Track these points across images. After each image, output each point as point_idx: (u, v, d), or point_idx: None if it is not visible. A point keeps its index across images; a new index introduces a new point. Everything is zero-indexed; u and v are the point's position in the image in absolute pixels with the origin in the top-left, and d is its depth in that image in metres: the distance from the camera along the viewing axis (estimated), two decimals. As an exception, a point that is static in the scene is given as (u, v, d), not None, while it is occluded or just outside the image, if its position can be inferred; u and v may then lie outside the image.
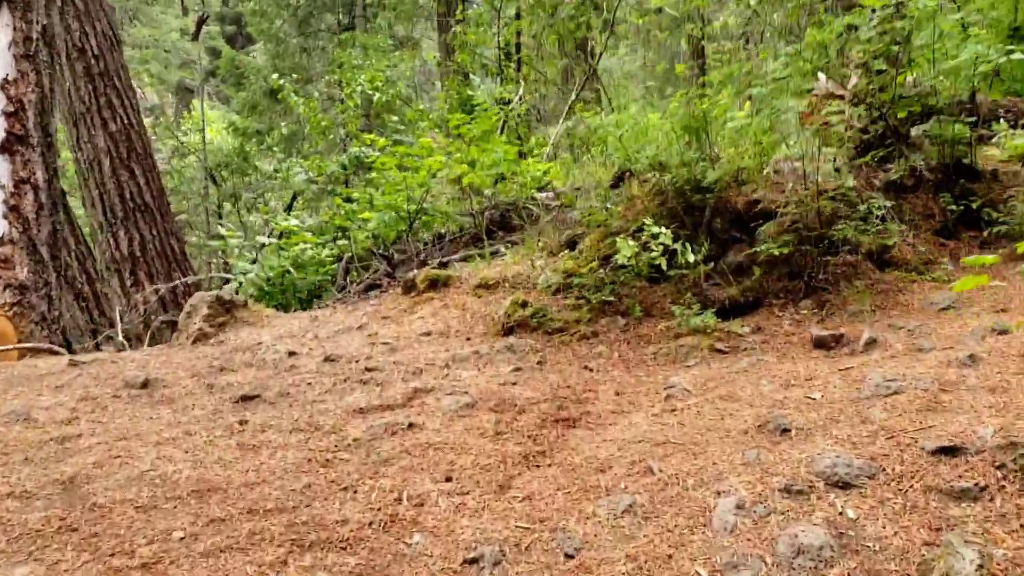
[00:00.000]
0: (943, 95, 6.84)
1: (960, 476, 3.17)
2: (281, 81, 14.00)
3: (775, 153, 6.54)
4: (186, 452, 4.30)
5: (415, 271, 7.59)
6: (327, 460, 4.18)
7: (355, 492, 3.80)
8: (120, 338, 9.51)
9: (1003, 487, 3.07)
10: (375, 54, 17.59)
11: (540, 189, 9.81)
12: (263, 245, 10.84)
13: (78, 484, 3.87)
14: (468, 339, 6.13)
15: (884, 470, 3.31)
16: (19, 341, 8.04)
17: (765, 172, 6.37)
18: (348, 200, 10.62)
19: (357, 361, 5.77)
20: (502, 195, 9.34)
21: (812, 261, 5.98)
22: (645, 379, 5.15)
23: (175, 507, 3.67)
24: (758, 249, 5.87)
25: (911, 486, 3.20)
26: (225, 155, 22.61)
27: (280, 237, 10.68)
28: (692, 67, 7.49)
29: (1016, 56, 5.98)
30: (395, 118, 14.39)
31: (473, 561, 3.14)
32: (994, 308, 5.21)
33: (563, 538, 3.21)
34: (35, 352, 7.61)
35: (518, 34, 13.78)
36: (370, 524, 3.47)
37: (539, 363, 5.58)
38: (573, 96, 12.83)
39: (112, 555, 3.21)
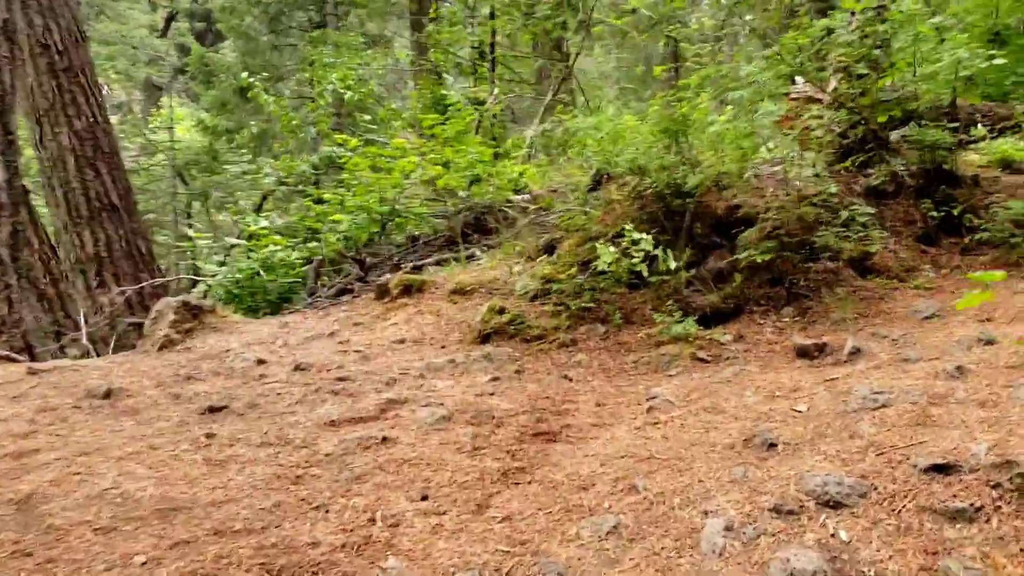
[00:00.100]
0: (923, 100, 6.78)
1: (955, 496, 3.06)
2: (251, 80, 13.73)
3: (756, 158, 6.44)
4: (150, 468, 4.10)
5: (388, 275, 7.43)
6: (298, 476, 4.00)
7: (327, 511, 3.63)
8: (85, 341, 9.25)
9: (999, 507, 2.96)
10: (347, 52, 17.35)
11: (516, 191, 9.67)
12: (232, 247, 10.60)
13: (34, 504, 3.67)
14: (443, 347, 5.98)
15: (876, 488, 3.20)
16: (-24, 347, 7.76)
17: (745, 177, 6.27)
18: (319, 201, 10.40)
19: (329, 370, 5.60)
20: (477, 197, 9.18)
21: (793, 268, 5.89)
22: (626, 389, 5.02)
23: (137, 528, 3.48)
24: (739, 256, 5.77)
25: (904, 506, 3.09)
26: (194, 153, 22.26)
27: (249, 239, 10.45)
28: (669, 70, 7.37)
29: (999, 61, 5.93)
30: (367, 117, 14.17)
31: (451, 588, 3.00)
32: (978, 317, 5.14)
33: (546, 562, 3.06)
34: (-7, 358, 7.35)
35: (493, 33, 13.63)
36: (343, 547, 3.31)
37: (517, 372, 5.43)
38: (549, 97, 12.70)
39: (68, 583, 3.03)
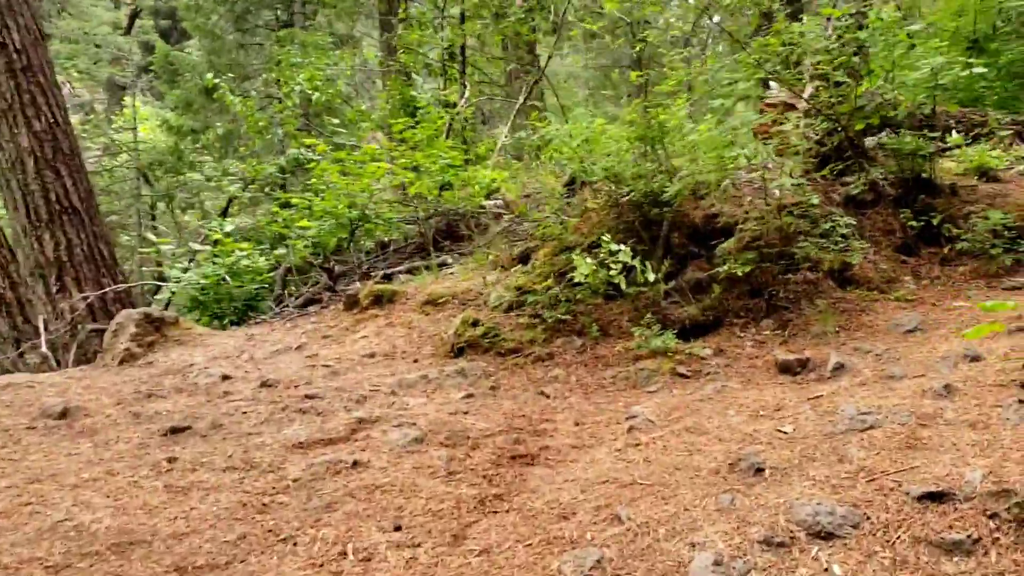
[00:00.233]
0: (902, 107, 6.70)
1: (950, 526, 2.94)
2: (216, 80, 13.42)
3: (735, 167, 6.33)
4: (107, 496, 3.89)
5: (358, 284, 7.24)
6: (264, 505, 3.81)
7: (295, 544, 3.45)
8: (44, 348, 8.96)
9: (997, 539, 2.85)
10: (314, 52, 17.07)
11: (489, 196, 9.49)
12: (196, 252, 10.33)
13: (-20, 539, 3.46)
14: (415, 361, 5.80)
15: (868, 518, 3.08)
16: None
17: (723, 185, 6.15)
18: (286, 205, 10.16)
19: (296, 386, 5.40)
20: (448, 203, 8.99)
21: (773, 279, 5.79)
22: (605, 407, 4.87)
23: (92, 565, 3.27)
24: (719, 269, 5.65)
25: (898, 537, 2.97)
26: (159, 154, 21.82)
27: (215, 244, 10.18)
28: (646, 75, 7.24)
29: (978, 70, 5.86)
30: (336, 120, 13.91)
31: (427, 631, 2.83)
32: (961, 331, 5.04)
33: (527, 602, 2.91)
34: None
35: (463, 35, 13.45)
36: (312, 584, 3.13)
37: (492, 388, 5.27)
38: (520, 100, 12.54)
39: (14, 632, 2.82)
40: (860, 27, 6.53)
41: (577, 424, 4.61)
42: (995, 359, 4.37)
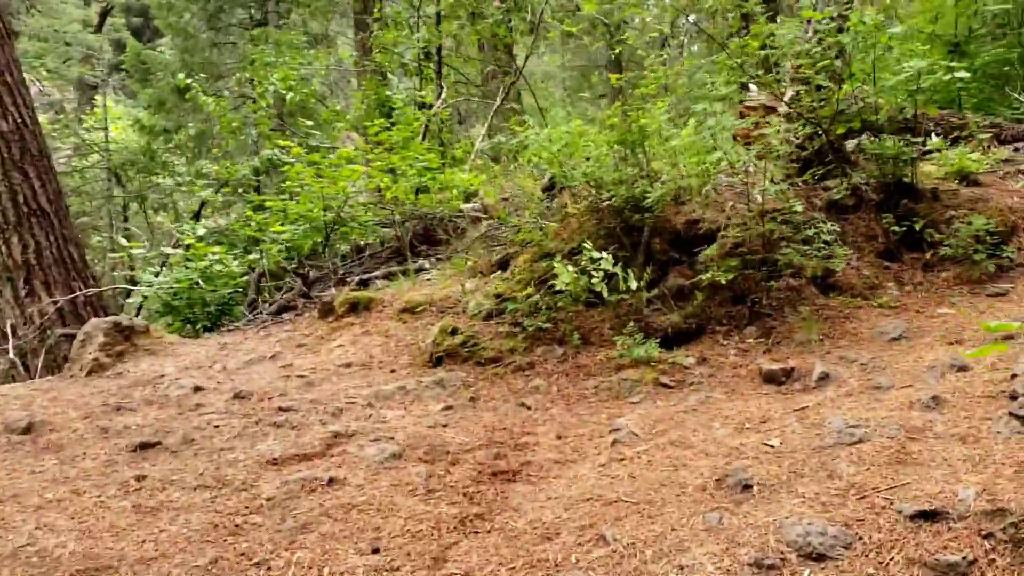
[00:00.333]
0: (883, 111, 6.65)
1: (945, 547, 2.86)
2: (188, 81, 13.20)
3: (717, 172, 6.24)
4: (72, 518, 3.73)
5: (333, 290, 7.09)
6: (236, 526, 3.67)
7: (268, 568, 3.31)
8: (12, 355, 8.74)
9: (993, 560, 2.77)
10: (288, 51, 16.87)
11: (467, 199, 9.37)
12: (169, 256, 10.13)
13: (-64, 567, 3.30)
14: (393, 371, 5.66)
15: (861, 538, 2.99)
16: None
17: (705, 191, 6.06)
18: (259, 208, 9.97)
19: (270, 398, 5.25)
20: (426, 206, 8.86)
21: (755, 286, 5.71)
22: (588, 419, 4.76)
23: (54, 595, 3.13)
24: (702, 276, 5.57)
25: (892, 558, 2.89)
26: (131, 154, 21.50)
27: (187, 248, 9.99)
28: (625, 78, 7.16)
29: (961, 74, 5.81)
30: (310, 122, 13.73)
31: (407, 664, 2.71)
32: (946, 339, 4.99)
33: (510, 631, 2.80)
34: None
35: (439, 34, 13.30)
36: (285, 613, 3.01)
37: (471, 400, 5.15)
38: (498, 101, 12.42)
39: (-31, 670, 2.67)
40: (840, 30, 6.47)
41: (559, 437, 4.50)
42: (983, 369, 4.31)
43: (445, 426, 4.71)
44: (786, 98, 6.99)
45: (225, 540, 3.54)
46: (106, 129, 21.67)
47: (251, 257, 9.38)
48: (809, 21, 7.11)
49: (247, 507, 3.84)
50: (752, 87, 8.23)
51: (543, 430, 4.64)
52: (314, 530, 3.59)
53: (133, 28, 32.35)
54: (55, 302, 12.00)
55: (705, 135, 5.93)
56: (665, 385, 5.05)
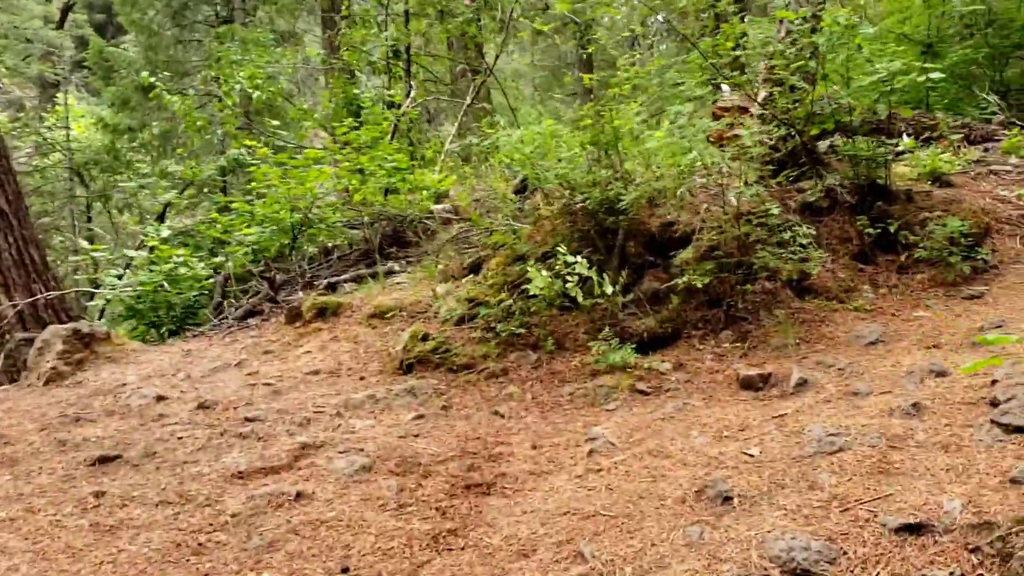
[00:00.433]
0: (856, 112, 6.61)
1: (931, 561, 2.79)
2: (152, 79, 12.94)
3: (693, 174, 6.16)
4: (26, 539, 3.57)
5: (300, 294, 6.93)
6: (200, 544, 3.53)
7: (232, 591, 3.18)
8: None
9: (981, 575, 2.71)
10: (255, 49, 16.62)
11: (437, 200, 9.22)
12: (132, 259, 9.89)
13: None
14: (362, 379, 5.52)
15: (845, 553, 2.91)
16: None
17: (680, 193, 5.98)
18: (225, 209, 9.77)
19: (236, 408, 5.09)
20: (395, 207, 8.70)
21: (731, 289, 5.64)
22: (563, 427, 4.66)
23: (4, 623, 2.97)
24: (677, 280, 5.48)
25: (877, 574, 2.81)
26: (94, 152, 21.11)
27: (151, 250, 9.76)
28: (598, 78, 7.09)
29: (935, 75, 5.77)
30: (276, 122, 13.52)
31: None
32: (924, 343, 4.95)
33: (487, 657, 2.68)
34: None
35: (408, 32, 13.13)
36: (250, 640, 2.87)
37: (444, 408, 5.03)
38: (468, 100, 12.28)
39: None
40: (814, 30, 6.41)
41: (534, 447, 4.39)
42: (962, 374, 4.26)
43: (417, 436, 4.59)
44: (759, 99, 6.94)
45: (188, 560, 3.40)
46: (68, 127, 21.28)
47: (217, 259, 9.18)
48: (782, 21, 7.06)
49: (211, 524, 3.70)
50: (725, 87, 8.17)
51: (518, 439, 4.53)
52: (281, 548, 3.46)
53: (96, 24, 31.80)
54: (15, 305, 11.69)
55: (679, 136, 5.84)
56: (642, 392, 4.96)
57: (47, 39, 27.82)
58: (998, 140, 8.97)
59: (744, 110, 8.02)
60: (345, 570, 3.28)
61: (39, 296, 11.99)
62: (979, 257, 5.94)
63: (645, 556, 3.09)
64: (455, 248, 7.36)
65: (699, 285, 5.34)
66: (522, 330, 5.66)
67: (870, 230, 6.18)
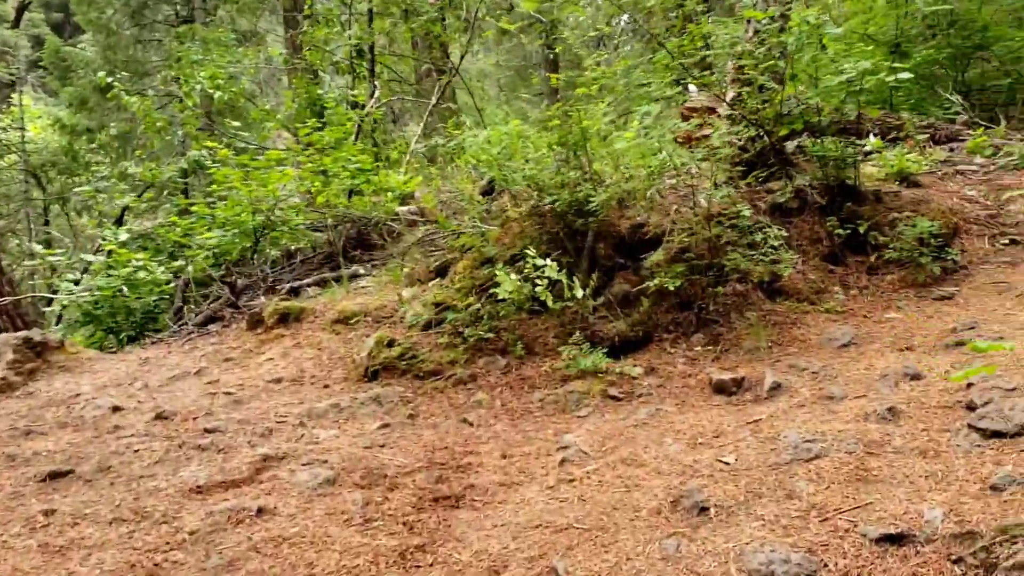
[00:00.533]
0: (825, 112, 6.57)
1: (914, 573, 2.72)
2: (109, 80, 12.64)
3: (663, 175, 6.08)
4: (-32, 563, 3.38)
5: (262, 299, 6.75)
6: (156, 565, 3.36)
7: (189, 615, 3.03)
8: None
9: (965, 588, 2.63)
10: (216, 49, 16.35)
11: (402, 202, 9.07)
12: (90, 263, 9.63)
13: None
14: (326, 387, 5.37)
15: (826, 565, 2.83)
16: None
17: (650, 194, 5.89)
18: (186, 212, 9.55)
19: (195, 418, 4.92)
20: (359, 209, 8.53)
21: (702, 292, 5.56)
22: (534, 435, 4.54)
23: (-56, 654, 2.79)
24: (649, 283, 5.39)
25: (860, 586, 2.73)
26: (51, 154, 20.68)
27: (109, 254, 9.50)
28: (565, 77, 7.01)
29: (904, 76, 5.74)
30: (235, 124, 13.28)
31: None
32: (897, 345, 4.89)
33: None
34: None
35: (371, 32, 12.96)
36: (207, 668, 2.72)
37: (410, 416, 4.89)
38: (433, 100, 12.13)
39: None
40: (782, 30, 6.36)
41: (504, 456, 4.27)
42: (937, 377, 4.21)
43: (383, 446, 4.44)
44: (727, 99, 6.88)
45: (142, 582, 3.24)
46: (23, 128, 20.81)
47: (177, 264, 8.96)
48: (749, 21, 7.01)
49: (168, 543, 3.53)
50: (692, 88, 8.12)
51: (487, 449, 4.40)
52: (241, 567, 3.31)
53: (52, 24, 31.23)
54: (-33, 312, 11.36)
55: (649, 136, 5.76)
56: (613, 397, 4.86)
57: (2, 38, 27.22)
58: (963, 140, 9.01)
59: (712, 111, 7.97)
60: (308, 590, 3.14)
61: (-6, 302, 11.65)
62: (949, 258, 5.92)
63: (620, 571, 2.98)
64: (421, 251, 7.22)
65: (671, 288, 5.25)
66: (491, 335, 5.53)
67: (840, 231, 6.13)
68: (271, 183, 8.24)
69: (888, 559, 2.79)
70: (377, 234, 8.45)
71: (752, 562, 2.85)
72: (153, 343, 7.15)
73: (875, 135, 8.24)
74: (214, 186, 8.97)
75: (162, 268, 8.85)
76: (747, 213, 5.41)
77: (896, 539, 2.86)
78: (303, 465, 4.18)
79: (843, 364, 4.75)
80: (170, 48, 18.90)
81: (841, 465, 3.46)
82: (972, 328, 4.83)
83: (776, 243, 5.45)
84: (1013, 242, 6.23)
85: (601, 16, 17.47)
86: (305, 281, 7.78)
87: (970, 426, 3.54)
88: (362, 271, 7.73)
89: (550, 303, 5.22)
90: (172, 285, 8.72)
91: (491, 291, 5.53)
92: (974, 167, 7.79)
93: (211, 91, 13.07)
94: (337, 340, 5.98)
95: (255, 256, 8.67)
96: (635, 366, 5.12)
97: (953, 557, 2.73)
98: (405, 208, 8.95)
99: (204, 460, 4.36)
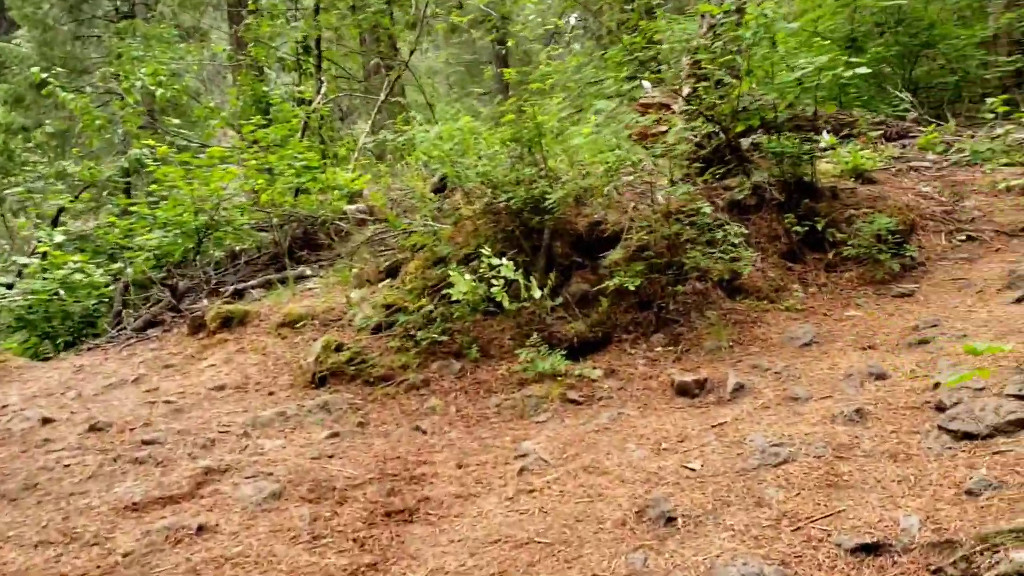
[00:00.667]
0: (781, 108, 6.48)
1: (893, 585, 2.59)
2: (44, 76, 12.17)
3: (621, 172, 5.93)
4: None
5: (205, 302, 6.47)
6: (84, 592, 3.11)
7: (120, 647, 2.79)
8: None
9: (945, 599, 2.51)
10: (158, 45, 15.92)
11: (350, 200, 8.82)
12: (25, 266, 9.21)
13: None
14: (271, 394, 5.13)
15: (801, 579, 2.69)
16: None
17: (607, 191, 5.75)
18: (126, 212, 9.19)
19: (132, 429, 4.65)
20: (306, 208, 8.27)
21: (661, 290, 5.42)
22: (491, 442, 4.35)
23: None
24: (608, 283, 5.23)
25: (836, 601, 2.61)
26: (-17, 153, 19.99)
27: (44, 256, 9.10)
28: (518, 72, 6.85)
29: (862, 70, 5.66)
30: (176, 121, 12.90)
31: None
32: (859, 344, 4.80)
33: None
34: None
35: (318, 26, 12.68)
36: None
37: (360, 425, 4.67)
38: (382, 96, 11.88)
39: None
40: (739, 24, 6.26)
41: (460, 466, 4.07)
42: (902, 376, 4.12)
43: (331, 457, 4.22)
44: (683, 94, 6.76)
45: (69, 612, 2.99)
46: (-46, 127, 20.09)
47: (116, 266, 8.61)
48: (703, 16, 6.91)
49: (99, 566, 3.29)
50: (646, 84, 8.00)
51: (441, 458, 4.21)
52: (178, 593, 3.08)
53: (-14, 19, 30.20)
54: None
55: (605, 133, 5.61)
56: (573, 401, 4.69)
57: (-68, 34, 26.30)
58: (914, 137, 9.04)
59: (666, 107, 7.86)
60: (251, 617, 2.91)
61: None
62: (907, 254, 5.86)
63: (585, 588, 2.81)
64: (371, 251, 6.99)
65: (631, 287, 5.11)
66: (444, 337, 5.34)
67: (798, 228, 6.04)
68: (214, 181, 7.94)
69: (864, 570, 2.67)
70: (324, 234, 8.19)
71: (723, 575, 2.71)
72: (89, 349, 6.82)
73: (828, 132, 8.21)
74: (154, 186, 8.63)
75: (101, 270, 8.50)
76: (707, 210, 5.28)
77: (872, 549, 2.74)
78: (247, 478, 3.94)
79: (806, 364, 4.64)
80: (110, 44, 18.41)
81: (810, 470, 3.34)
82: (935, 326, 4.75)
83: (736, 240, 5.34)
84: (970, 238, 6.21)
85: (551, 13, 17.36)
86: (250, 283, 7.49)
87: (940, 428, 3.45)
88: (309, 272, 7.48)
89: (506, 304, 5.04)
90: (112, 288, 8.36)
91: (444, 292, 5.33)
92: (927, 163, 7.79)
93: (152, 88, 12.69)
94: (283, 345, 5.73)
95: (198, 257, 8.35)
96: (595, 368, 4.97)
97: (932, 568, 2.61)
98: (353, 207, 8.70)
99: (141, 475, 4.10)
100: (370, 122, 12.10)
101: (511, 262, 5.03)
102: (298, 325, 5.86)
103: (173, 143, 11.01)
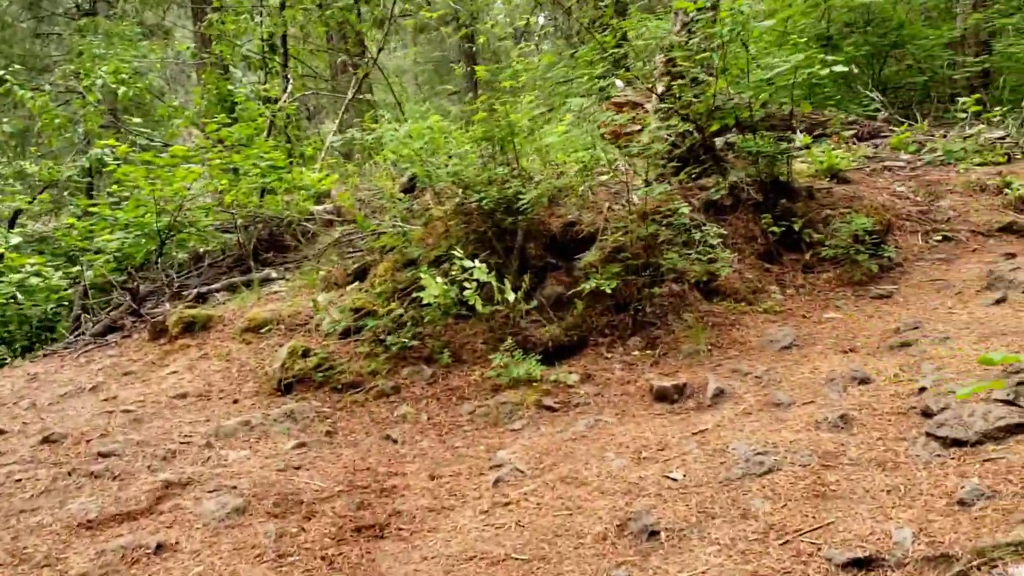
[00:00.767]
0: (756, 107, 6.39)
1: (887, 602, 2.48)
2: (2, 73, 11.84)
3: (594, 171, 5.81)
4: None
5: (167, 306, 6.26)
6: (32, 618, 2.92)
7: None
8: None
9: (944, 617, 2.41)
10: (120, 43, 15.60)
11: (317, 201, 8.62)
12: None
13: None
14: (235, 402, 4.93)
15: (792, 596, 2.57)
16: None
17: (582, 191, 5.62)
18: (86, 213, 8.93)
19: (88, 441, 4.44)
20: (271, 208, 8.06)
21: (638, 292, 5.30)
22: (464, 452, 4.20)
23: None
24: (584, 285, 5.10)
25: (829, 620, 2.49)
26: (-62, 152, 19.53)
27: (1, 259, 8.81)
28: (488, 70, 6.71)
29: (838, 68, 5.58)
30: (138, 120, 12.62)
31: None
32: (839, 347, 4.71)
33: None
34: None
35: (283, 24, 12.46)
36: None
37: (328, 434, 4.50)
38: (350, 95, 11.68)
39: None
40: (715, 21, 6.17)
41: (432, 477, 3.92)
42: (886, 381, 4.03)
43: (298, 468, 4.05)
44: (658, 92, 6.65)
45: (16, 641, 2.80)
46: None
47: (74, 269, 8.35)
48: (676, 13, 6.81)
49: (49, 591, 3.09)
50: (619, 82, 7.89)
51: (413, 469, 4.05)
52: (134, 618, 2.90)
53: (-58, 15, 29.53)
54: None
55: (578, 132, 5.48)
56: (549, 408, 4.54)
57: None
58: (885, 137, 9.02)
59: (638, 105, 7.76)
60: (212, 644, 2.74)
61: None
62: (885, 255, 5.79)
63: (566, 609, 2.67)
64: (338, 253, 6.81)
65: (607, 289, 4.97)
66: (415, 342, 5.17)
67: (775, 228, 5.95)
68: (177, 182, 7.71)
69: (857, 586, 2.56)
70: (291, 235, 7.99)
71: (711, 595, 2.58)
72: (45, 356, 6.57)
73: (801, 131, 8.15)
74: (116, 186, 8.38)
75: (59, 273, 8.24)
76: (685, 210, 5.17)
77: (864, 563, 2.63)
78: (209, 492, 3.76)
79: (787, 368, 4.54)
80: (71, 42, 18.07)
81: (797, 480, 3.23)
82: (916, 328, 4.67)
83: (714, 241, 5.22)
84: (946, 239, 6.15)
85: (520, 12, 17.26)
86: (213, 286, 7.27)
87: (928, 434, 3.35)
88: (275, 275, 7.27)
89: (479, 307, 4.89)
90: (71, 292, 8.10)
91: (415, 295, 5.18)
92: (901, 163, 7.75)
93: (114, 87, 12.40)
94: (247, 350, 5.53)
95: (160, 260, 8.11)
96: (571, 373, 4.83)
97: (927, 583, 2.50)
98: (320, 207, 8.51)
99: (97, 489, 3.90)
100: (337, 121, 11.90)
101: (484, 264, 4.87)
102: (263, 330, 5.67)
103: (135, 143, 10.73)
